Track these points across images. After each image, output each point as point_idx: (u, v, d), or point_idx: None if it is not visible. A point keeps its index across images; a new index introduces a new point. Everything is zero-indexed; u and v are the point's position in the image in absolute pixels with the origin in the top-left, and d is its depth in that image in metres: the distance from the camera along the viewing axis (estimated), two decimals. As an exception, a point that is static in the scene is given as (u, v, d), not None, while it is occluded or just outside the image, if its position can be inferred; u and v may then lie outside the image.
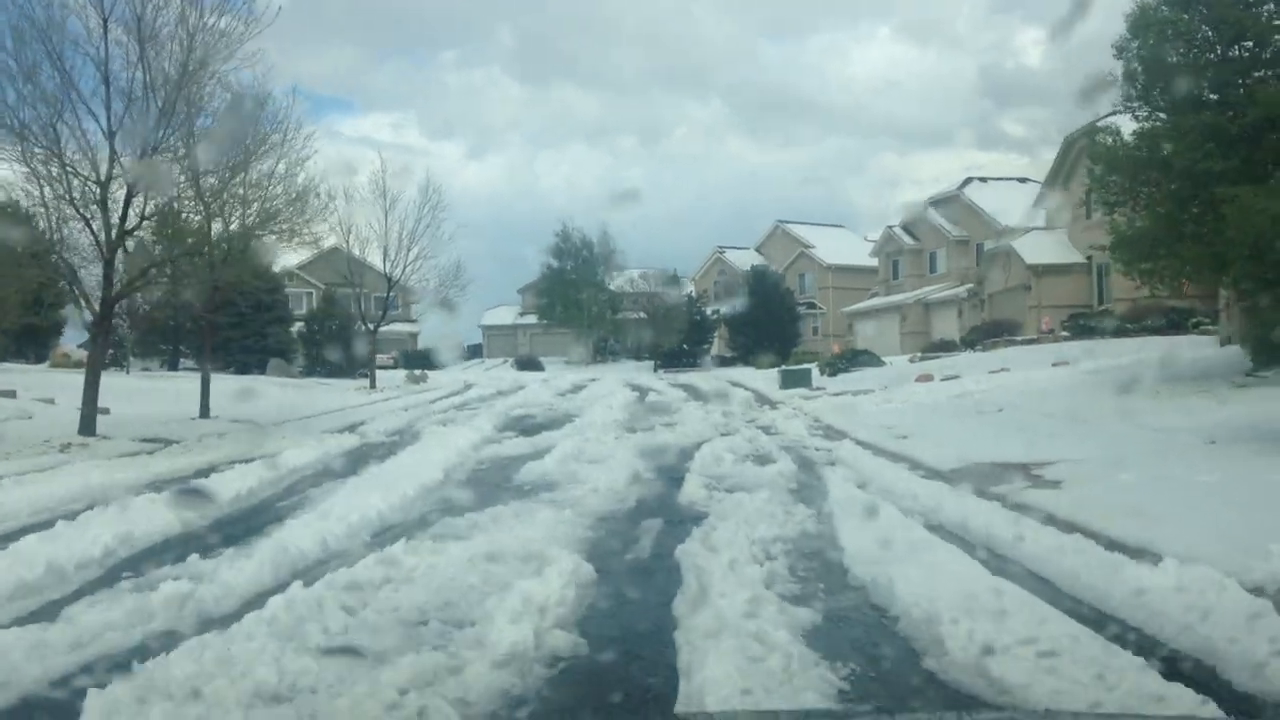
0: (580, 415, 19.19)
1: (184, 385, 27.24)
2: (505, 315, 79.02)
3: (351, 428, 17.33)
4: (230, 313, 35.25)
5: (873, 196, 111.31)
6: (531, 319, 73.90)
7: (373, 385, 32.70)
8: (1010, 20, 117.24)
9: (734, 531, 6.90)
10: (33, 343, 39.03)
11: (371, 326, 36.36)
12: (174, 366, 39.78)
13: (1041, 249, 37.10)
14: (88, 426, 15.56)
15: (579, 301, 65.44)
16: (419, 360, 64.23)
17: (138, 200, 15.90)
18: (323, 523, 7.22)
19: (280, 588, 5.21)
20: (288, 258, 36.14)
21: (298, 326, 43.00)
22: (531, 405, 23.09)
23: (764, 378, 36.09)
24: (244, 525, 7.82)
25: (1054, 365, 25.89)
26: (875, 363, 35.45)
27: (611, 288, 67.24)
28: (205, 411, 20.05)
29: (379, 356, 66.00)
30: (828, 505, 8.35)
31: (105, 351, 15.82)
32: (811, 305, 63.80)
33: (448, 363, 69.58)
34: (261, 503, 9.19)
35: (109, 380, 29.84)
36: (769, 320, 56.72)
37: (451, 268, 36.85)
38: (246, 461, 11.94)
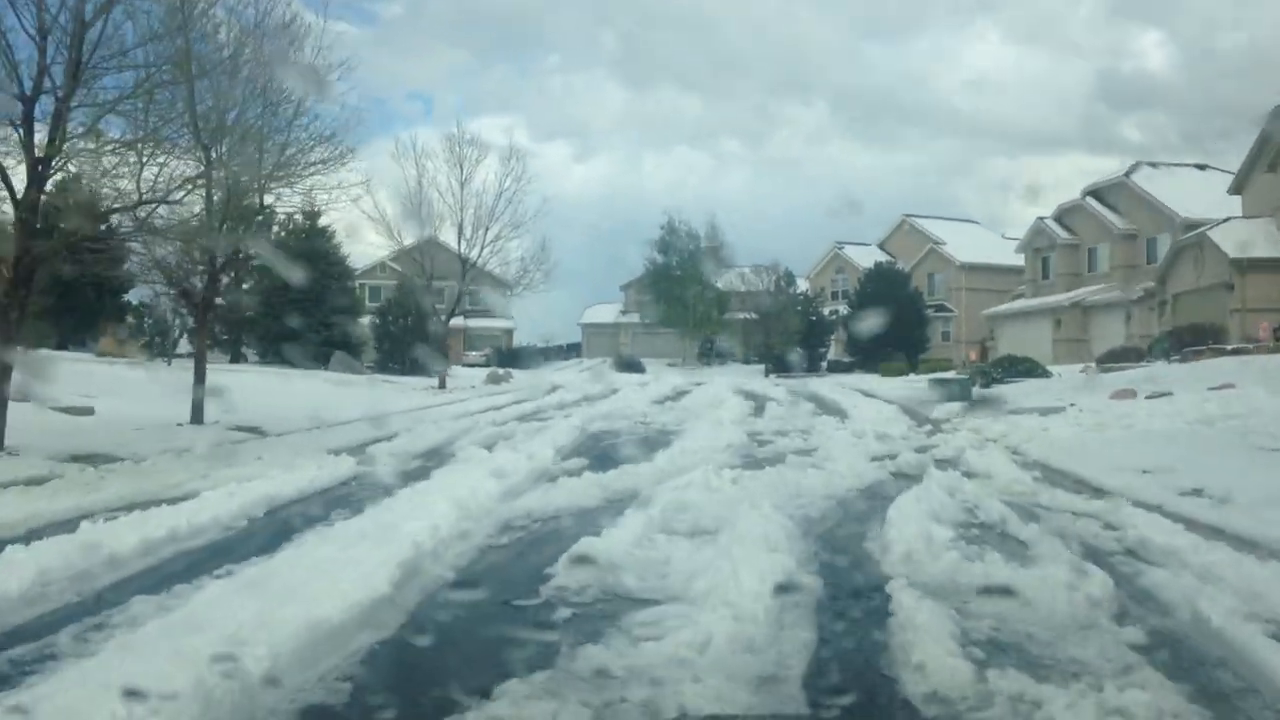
0: (681, 435, 14.07)
1: (229, 379, 23.20)
2: (606, 313, 74.43)
3: (369, 444, 12.60)
4: (289, 301, 31.30)
5: (984, 200, 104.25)
6: (634, 317, 69.12)
7: (441, 385, 28.10)
8: (1127, 23, 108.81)
9: None
10: (91, 328, 35.79)
11: (444, 320, 31.75)
12: (235, 359, 36.00)
13: (1245, 241, 30.46)
14: (-9, 437, 11.10)
15: (684, 299, 60.35)
16: (511, 358, 60.12)
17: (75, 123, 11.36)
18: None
19: None
20: (359, 241, 32.04)
21: (368, 319, 38.82)
22: (619, 417, 18.03)
23: (898, 387, 30.47)
24: None
25: (1296, 382, 19.80)
26: (1039, 373, 29.40)
27: (719, 285, 61.94)
28: (198, 415, 15.54)
29: (471, 354, 62.58)
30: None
31: (14, 332, 11.23)
32: (941, 307, 57.40)
33: (542, 362, 65.52)
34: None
35: (135, 373, 26.05)
36: (894, 323, 50.65)
37: (536, 248, 32.04)
38: (148, 506, 7.30)
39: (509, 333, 69.49)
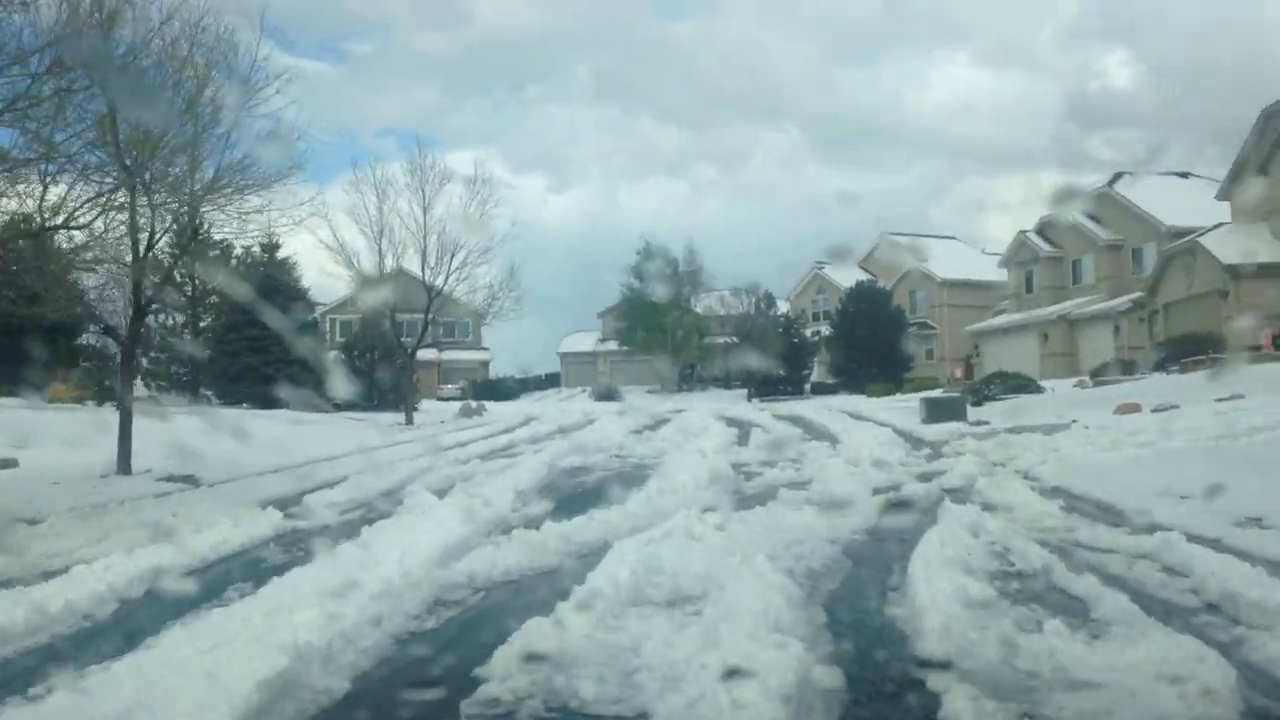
0: (659, 469, 12.72)
1: (179, 423, 21.74)
2: (584, 342, 73.14)
3: (309, 492, 11.17)
4: (246, 337, 29.88)
5: (961, 219, 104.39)
6: (612, 345, 67.77)
7: (408, 421, 26.63)
8: (1092, 43, 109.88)
9: None
10: (44, 373, 34.24)
11: (410, 352, 30.28)
12: (194, 399, 34.41)
13: (1238, 246, 29.50)
14: None
15: (663, 325, 59.08)
16: (488, 390, 58.67)
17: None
18: None
19: None
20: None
21: (334, 354, 37.30)
22: (593, 450, 16.66)
23: (887, 408, 29.21)
24: None
25: (1310, 390, 18.70)
26: (1032, 388, 28.31)
27: (698, 310, 60.78)
28: (125, 465, 14.06)
29: (446, 387, 61.08)
30: None
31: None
32: (924, 325, 56.40)
33: (520, 393, 64.15)
34: None
35: (78, 419, 24.52)
36: (877, 343, 49.58)
37: (505, 274, 30.74)
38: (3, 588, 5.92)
39: (485, 364, 68.08)
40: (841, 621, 5.02)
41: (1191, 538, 7.12)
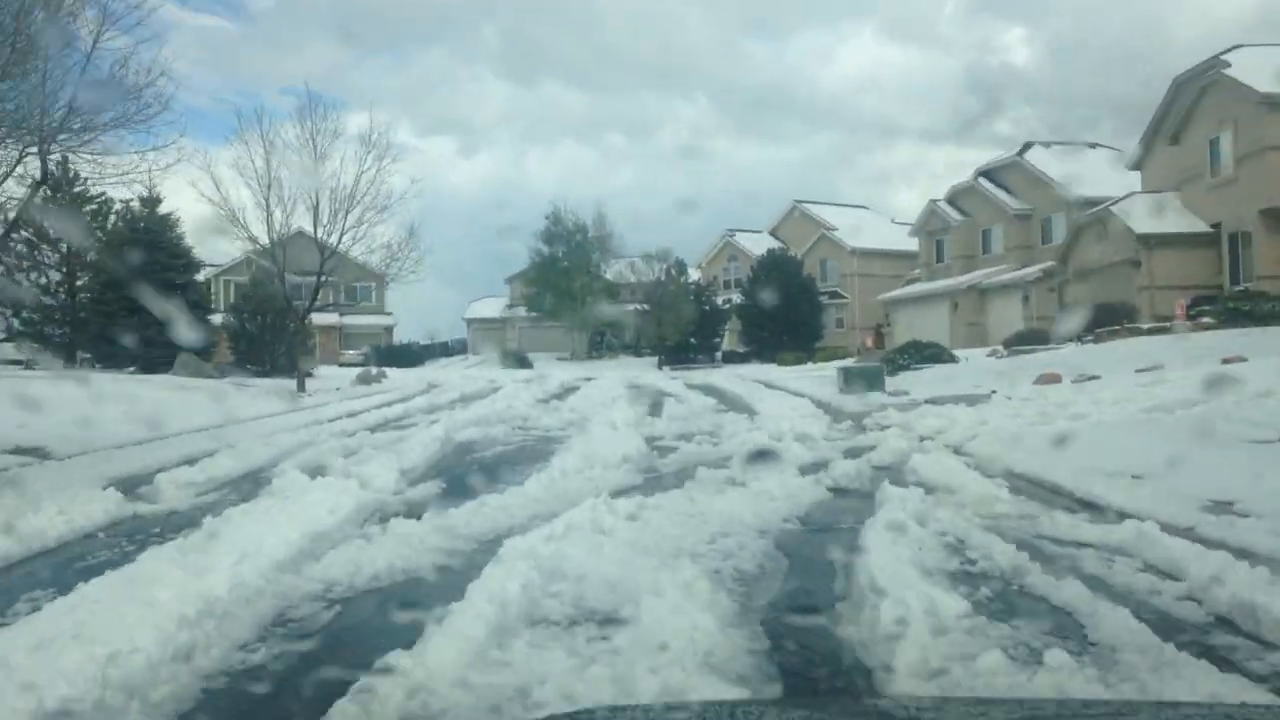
0: (564, 445, 11.60)
1: (46, 388, 19.86)
2: (492, 308, 71.51)
3: (166, 470, 9.77)
4: (124, 297, 27.75)
5: (866, 191, 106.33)
6: (520, 311, 66.24)
7: (300, 388, 24.98)
8: (992, 19, 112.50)
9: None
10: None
11: (302, 314, 28.51)
12: (70, 363, 32.06)
13: (1151, 216, 29.45)
14: None
15: (572, 291, 57.78)
16: (392, 356, 56.77)
17: None
18: None
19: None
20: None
21: (221, 317, 35.15)
22: (495, 422, 15.46)
23: (800, 377, 28.59)
24: None
25: (1225, 362, 18.54)
26: (946, 358, 27.89)
27: (608, 276, 59.61)
28: (-43, 437, 12.41)
29: (348, 353, 58.93)
30: None
31: None
32: (835, 294, 56.18)
33: (425, 359, 62.44)
34: None
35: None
36: (788, 311, 49.10)
37: (405, 233, 29.13)
38: None
39: (389, 329, 65.98)
40: (788, 650, 3.98)
41: (1165, 527, 6.31)
